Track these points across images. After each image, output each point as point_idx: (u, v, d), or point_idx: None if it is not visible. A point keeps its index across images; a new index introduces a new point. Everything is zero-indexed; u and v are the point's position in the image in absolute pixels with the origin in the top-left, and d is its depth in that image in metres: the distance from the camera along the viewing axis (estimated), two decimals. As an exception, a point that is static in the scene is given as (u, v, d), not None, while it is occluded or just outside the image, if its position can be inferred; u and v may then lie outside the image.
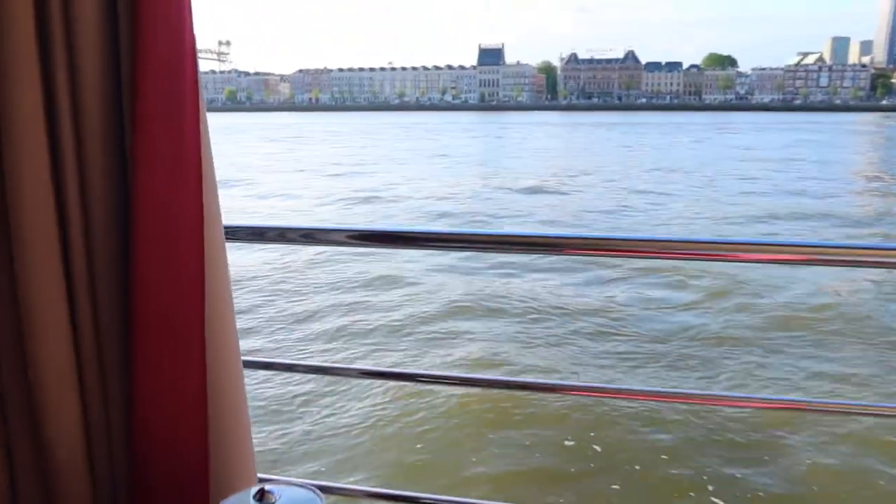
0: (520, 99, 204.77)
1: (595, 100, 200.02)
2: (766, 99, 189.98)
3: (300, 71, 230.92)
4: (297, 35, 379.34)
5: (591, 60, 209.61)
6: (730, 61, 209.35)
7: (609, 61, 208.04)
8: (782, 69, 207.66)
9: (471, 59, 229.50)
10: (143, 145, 1.12)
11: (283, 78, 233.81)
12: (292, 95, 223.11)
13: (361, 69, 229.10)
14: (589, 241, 1.59)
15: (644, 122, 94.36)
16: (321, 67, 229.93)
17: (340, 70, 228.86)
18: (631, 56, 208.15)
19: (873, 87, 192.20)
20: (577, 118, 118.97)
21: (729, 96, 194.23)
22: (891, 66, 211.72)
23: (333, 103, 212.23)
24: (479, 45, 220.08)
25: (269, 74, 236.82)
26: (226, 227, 1.45)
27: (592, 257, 11.47)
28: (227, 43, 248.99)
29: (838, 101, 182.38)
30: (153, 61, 1.07)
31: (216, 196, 1.22)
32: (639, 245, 1.55)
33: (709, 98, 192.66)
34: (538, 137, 58.68)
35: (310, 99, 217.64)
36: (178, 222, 1.14)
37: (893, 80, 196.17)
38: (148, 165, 1.13)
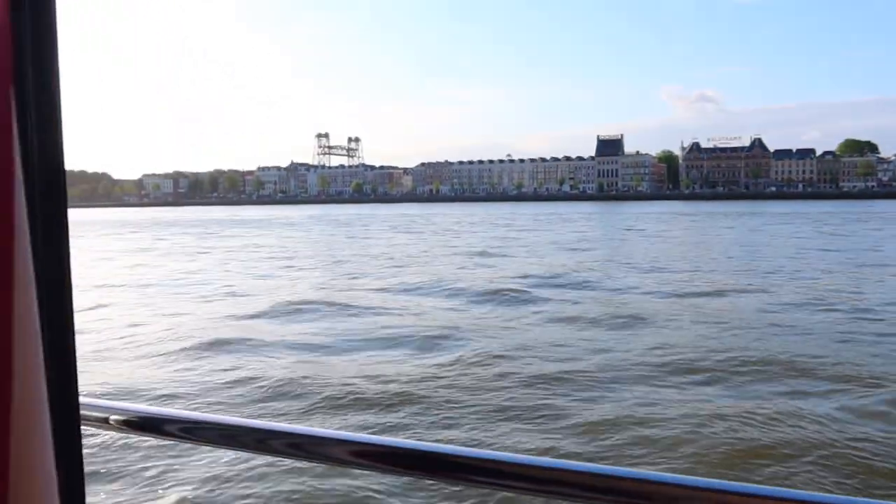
0: (639, 188, 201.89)
1: (720, 189, 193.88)
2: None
3: (422, 164, 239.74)
4: (419, 131, 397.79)
5: (714, 149, 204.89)
6: (869, 147, 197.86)
7: (734, 150, 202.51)
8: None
9: (588, 150, 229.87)
10: None
11: (405, 171, 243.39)
12: (414, 187, 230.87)
13: (481, 161, 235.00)
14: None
15: (789, 212, 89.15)
16: (441, 161, 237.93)
17: (460, 163, 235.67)
18: (758, 144, 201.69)
19: None
20: (707, 207, 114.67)
21: (870, 183, 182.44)
22: None
23: (453, 194, 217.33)
24: (598, 136, 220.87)
25: (393, 168, 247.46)
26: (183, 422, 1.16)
27: None
28: (357, 140, 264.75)
29: None
30: None
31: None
32: None
33: (847, 186, 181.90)
34: (681, 227, 56.05)
35: (430, 190, 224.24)
36: None
37: None
38: None
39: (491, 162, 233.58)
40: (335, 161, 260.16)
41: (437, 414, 8.41)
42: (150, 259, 31.74)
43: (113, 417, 1.24)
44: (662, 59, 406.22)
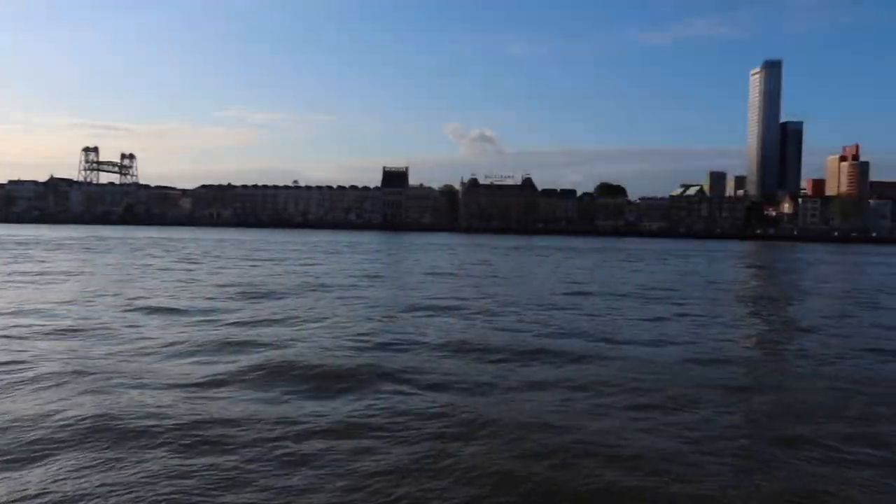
0: (423, 220, 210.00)
1: (494, 223, 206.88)
2: (654, 226, 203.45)
3: (203, 187, 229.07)
4: (202, 152, 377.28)
5: (490, 186, 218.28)
6: (619, 190, 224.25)
7: (508, 187, 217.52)
8: (668, 198, 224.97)
9: (377, 180, 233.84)
10: None
11: (185, 192, 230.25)
12: (193, 211, 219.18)
13: (266, 186, 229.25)
14: None
15: (569, 247, 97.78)
16: (225, 184, 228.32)
17: (244, 187, 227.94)
18: (528, 183, 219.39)
19: (747, 218, 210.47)
20: (483, 240, 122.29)
21: (619, 223, 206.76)
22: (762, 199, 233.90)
23: (235, 219, 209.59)
24: (384, 168, 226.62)
25: (170, 189, 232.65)
26: None
27: None
28: (131, 156, 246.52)
29: (718, 230, 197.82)
30: None
31: None
32: None
33: (601, 224, 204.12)
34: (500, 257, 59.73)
35: (211, 214, 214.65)
36: None
37: (765, 213, 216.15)
38: None
39: (276, 188, 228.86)
40: (105, 178, 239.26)
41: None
42: None
43: None
44: (446, 97, 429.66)
